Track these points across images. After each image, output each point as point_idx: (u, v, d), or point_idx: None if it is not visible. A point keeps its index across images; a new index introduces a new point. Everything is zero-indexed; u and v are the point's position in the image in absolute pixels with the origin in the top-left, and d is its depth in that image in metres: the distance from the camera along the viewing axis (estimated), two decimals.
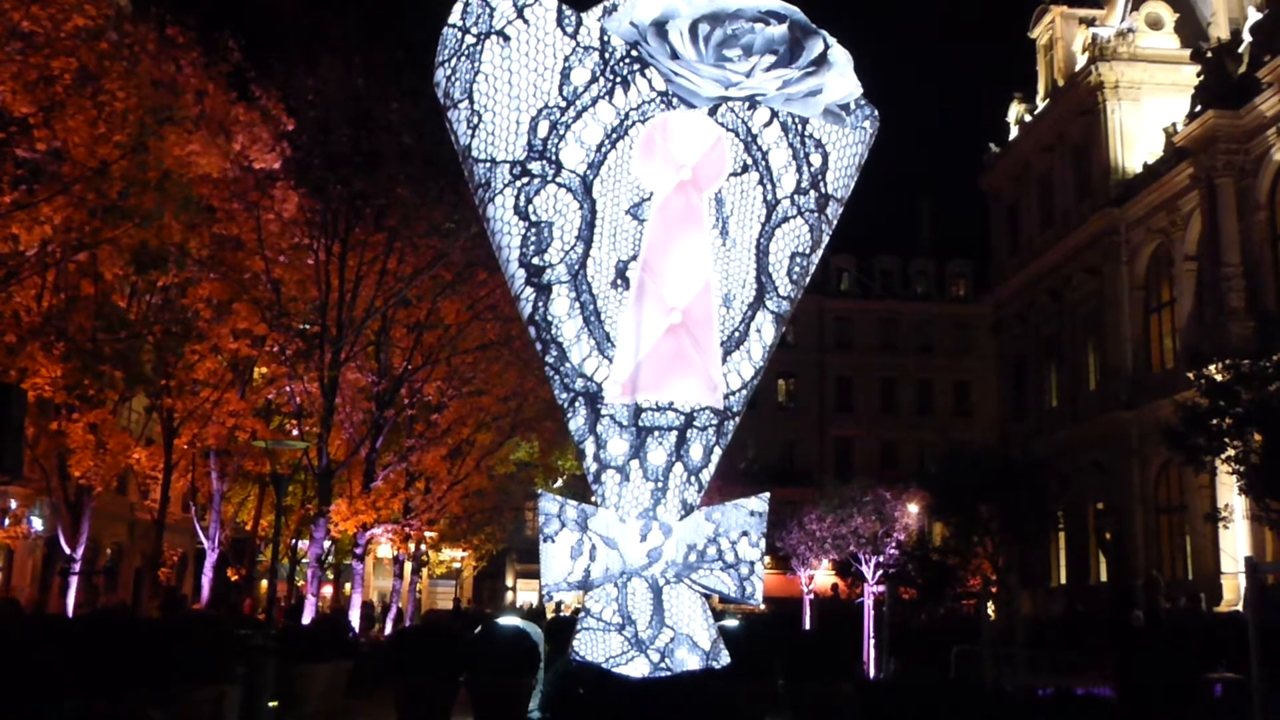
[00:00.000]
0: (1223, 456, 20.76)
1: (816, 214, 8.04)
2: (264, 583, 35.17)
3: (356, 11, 21.95)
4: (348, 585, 31.29)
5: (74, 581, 22.06)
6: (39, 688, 8.64)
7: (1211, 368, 23.08)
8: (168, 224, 18.69)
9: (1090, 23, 43.76)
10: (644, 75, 8.12)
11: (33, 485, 23.77)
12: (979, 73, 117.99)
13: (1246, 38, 34.48)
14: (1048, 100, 46.67)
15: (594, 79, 7.85)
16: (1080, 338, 43.19)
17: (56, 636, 11.02)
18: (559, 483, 36.24)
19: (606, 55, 7.88)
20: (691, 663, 7.53)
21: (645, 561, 7.53)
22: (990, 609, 31.11)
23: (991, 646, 22.07)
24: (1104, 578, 39.49)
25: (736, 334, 8.37)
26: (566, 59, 7.74)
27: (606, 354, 8.01)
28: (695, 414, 8.23)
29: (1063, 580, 42.72)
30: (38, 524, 26.00)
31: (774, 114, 8.09)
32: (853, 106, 8.10)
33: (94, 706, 8.25)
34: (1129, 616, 27.67)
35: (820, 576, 38.17)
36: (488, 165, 7.59)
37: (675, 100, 8.08)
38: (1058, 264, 44.75)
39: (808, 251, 8.08)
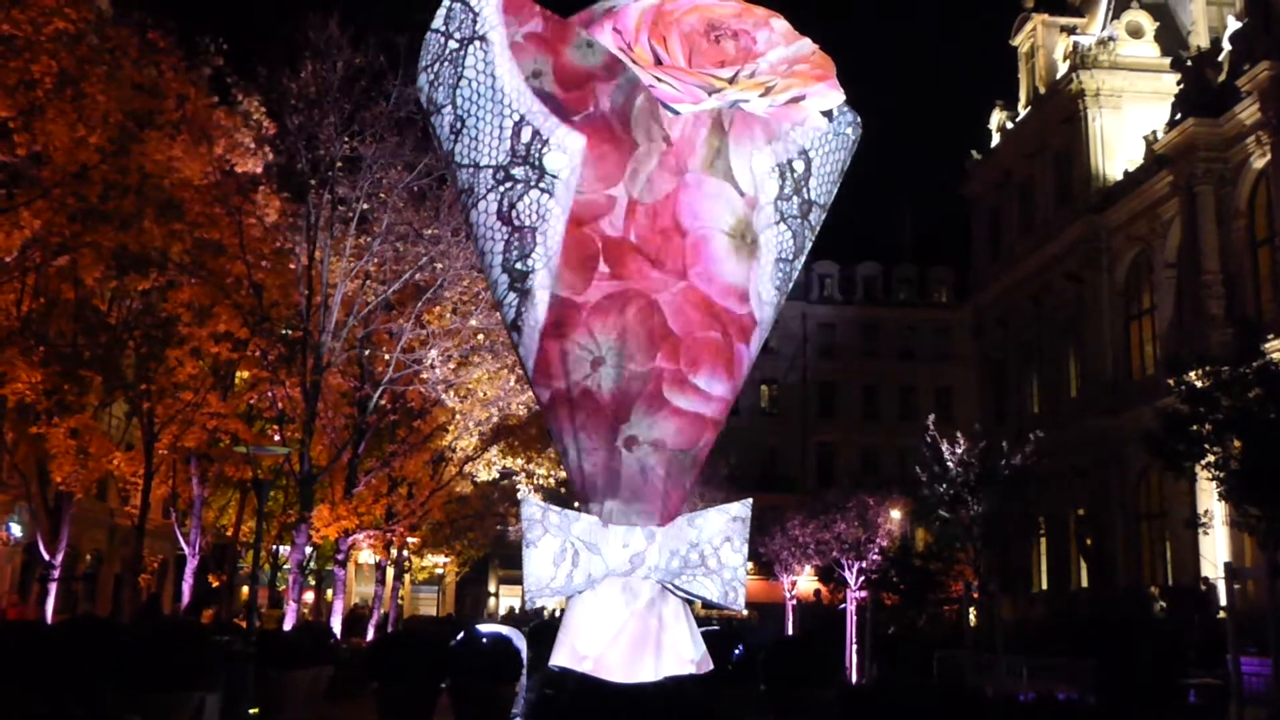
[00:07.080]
0: (1203, 463, 20.80)
1: (800, 220, 8.03)
2: (245, 589, 35.02)
3: (339, 16, 21.91)
4: (329, 591, 31.18)
5: (53, 588, 21.91)
6: (15, 693, 8.58)
7: (1191, 374, 23.12)
8: (148, 228, 18.62)
9: (1071, 31, 44.00)
10: None
11: (12, 491, 23.63)
12: (961, 80, 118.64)
13: (1226, 46, 34.70)
14: (1029, 108, 46.87)
15: None
16: (1061, 344, 43.34)
17: (34, 643, 10.94)
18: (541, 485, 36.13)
19: None
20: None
21: (628, 567, 7.51)
22: (972, 615, 31.17)
23: (973, 652, 22.18)
24: (1085, 584, 39.63)
25: None
26: None
27: None
28: None
29: (1044, 586, 42.85)
30: (17, 530, 25.84)
31: None
32: (836, 113, 8.11)
33: (70, 713, 8.19)
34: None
35: (803, 582, 38.20)
36: (470, 170, 7.55)
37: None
38: (1038, 270, 44.91)
39: (791, 258, 8.04)
